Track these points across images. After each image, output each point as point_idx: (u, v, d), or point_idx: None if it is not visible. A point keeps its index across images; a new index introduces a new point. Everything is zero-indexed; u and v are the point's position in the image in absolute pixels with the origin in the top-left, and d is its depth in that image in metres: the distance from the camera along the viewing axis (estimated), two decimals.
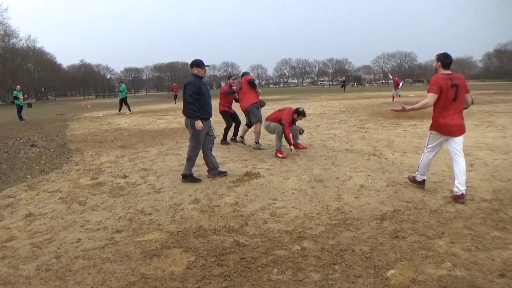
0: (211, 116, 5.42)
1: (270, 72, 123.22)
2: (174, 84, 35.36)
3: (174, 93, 32.15)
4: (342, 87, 45.79)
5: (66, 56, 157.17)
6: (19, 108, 19.30)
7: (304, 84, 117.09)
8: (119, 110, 21.06)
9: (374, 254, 2.99)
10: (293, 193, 4.67)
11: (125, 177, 5.87)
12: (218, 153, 7.57)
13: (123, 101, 21.03)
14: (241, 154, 7.36)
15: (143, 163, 6.86)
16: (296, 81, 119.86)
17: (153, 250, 3.22)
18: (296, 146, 7.52)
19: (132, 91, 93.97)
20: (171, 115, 18.12)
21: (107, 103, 33.74)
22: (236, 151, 7.72)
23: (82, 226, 3.85)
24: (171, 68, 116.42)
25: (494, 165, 5.70)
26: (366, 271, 2.74)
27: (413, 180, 4.79)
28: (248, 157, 7.01)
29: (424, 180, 4.68)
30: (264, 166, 6.16)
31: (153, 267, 2.93)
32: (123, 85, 21.81)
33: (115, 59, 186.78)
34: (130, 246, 3.33)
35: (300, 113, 7.03)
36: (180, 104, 25.03)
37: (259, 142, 7.86)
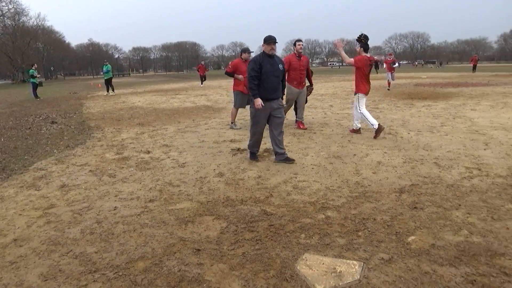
0: (274, 98, 5.06)
1: (280, 52, 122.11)
2: (202, 62, 27.58)
3: (200, 74, 25.70)
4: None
5: (74, 35, 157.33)
6: (34, 86, 19.62)
7: (313, 65, 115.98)
8: (110, 91, 20.53)
9: (394, 223, 3.19)
10: (313, 168, 4.86)
11: (149, 152, 6.10)
12: (236, 131, 7.77)
13: (108, 81, 20.44)
14: None
15: (164, 140, 7.08)
16: None
17: (186, 217, 3.46)
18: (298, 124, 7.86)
19: (140, 70, 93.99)
20: (183, 95, 18.29)
21: (116, 82, 33.94)
22: None
23: (116, 196, 4.10)
24: (179, 48, 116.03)
25: (509, 144, 5.81)
26: (388, 237, 2.94)
27: (353, 130, 7.09)
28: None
29: (360, 128, 7.12)
30: None
31: (189, 231, 3.16)
32: (107, 64, 20.88)
33: (123, 38, 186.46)
34: (164, 213, 3.56)
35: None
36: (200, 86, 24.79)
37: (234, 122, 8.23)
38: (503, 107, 10.05)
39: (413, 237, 2.93)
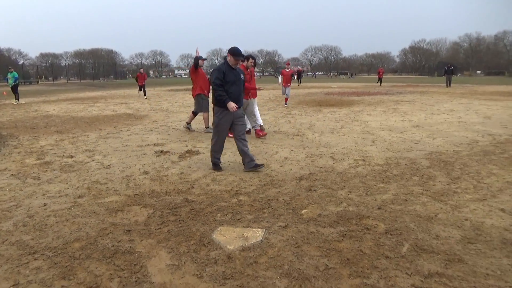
0: (238, 106, 5.12)
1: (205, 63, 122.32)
2: (141, 70, 22.93)
3: (139, 84, 21.90)
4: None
5: None
6: None
7: None
8: (15, 99, 19.29)
9: (293, 201, 3.96)
10: (229, 164, 5.52)
11: (72, 156, 6.25)
12: (159, 135, 8.17)
13: (13, 89, 19.42)
14: (180, 136, 8.04)
15: (86, 145, 7.22)
16: None
17: (115, 207, 3.87)
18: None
19: (50, 78, 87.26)
20: (102, 103, 17.90)
21: (23, 90, 31.54)
22: (175, 133, 8.36)
23: (44, 195, 4.32)
24: (94, 55, 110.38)
25: (390, 141, 7.09)
26: (286, 211, 3.69)
27: (259, 130, 7.64)
28: (187, 138, 7.71)
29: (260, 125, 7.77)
30: (202, 145, 6.93)
31: (119, 218, 3.59)
32: (13, 71, 19.79)
33: (29, 43, 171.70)
34: (94, 206, 3.93)
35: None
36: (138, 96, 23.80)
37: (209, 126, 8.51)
38: (393, 112, 11.81)
39: (305, 210, 3.72)
